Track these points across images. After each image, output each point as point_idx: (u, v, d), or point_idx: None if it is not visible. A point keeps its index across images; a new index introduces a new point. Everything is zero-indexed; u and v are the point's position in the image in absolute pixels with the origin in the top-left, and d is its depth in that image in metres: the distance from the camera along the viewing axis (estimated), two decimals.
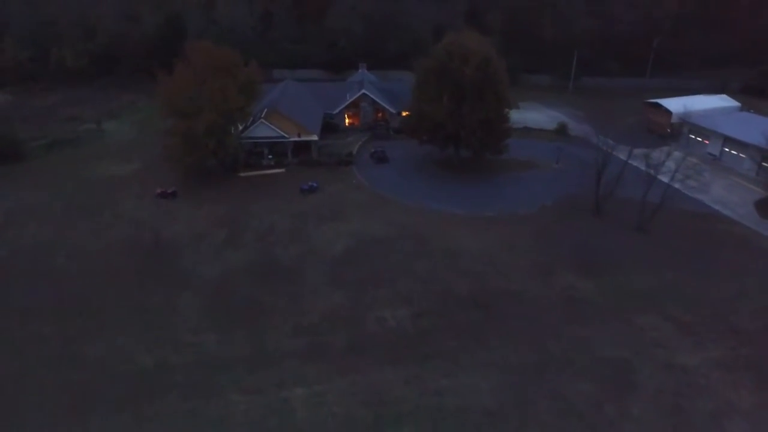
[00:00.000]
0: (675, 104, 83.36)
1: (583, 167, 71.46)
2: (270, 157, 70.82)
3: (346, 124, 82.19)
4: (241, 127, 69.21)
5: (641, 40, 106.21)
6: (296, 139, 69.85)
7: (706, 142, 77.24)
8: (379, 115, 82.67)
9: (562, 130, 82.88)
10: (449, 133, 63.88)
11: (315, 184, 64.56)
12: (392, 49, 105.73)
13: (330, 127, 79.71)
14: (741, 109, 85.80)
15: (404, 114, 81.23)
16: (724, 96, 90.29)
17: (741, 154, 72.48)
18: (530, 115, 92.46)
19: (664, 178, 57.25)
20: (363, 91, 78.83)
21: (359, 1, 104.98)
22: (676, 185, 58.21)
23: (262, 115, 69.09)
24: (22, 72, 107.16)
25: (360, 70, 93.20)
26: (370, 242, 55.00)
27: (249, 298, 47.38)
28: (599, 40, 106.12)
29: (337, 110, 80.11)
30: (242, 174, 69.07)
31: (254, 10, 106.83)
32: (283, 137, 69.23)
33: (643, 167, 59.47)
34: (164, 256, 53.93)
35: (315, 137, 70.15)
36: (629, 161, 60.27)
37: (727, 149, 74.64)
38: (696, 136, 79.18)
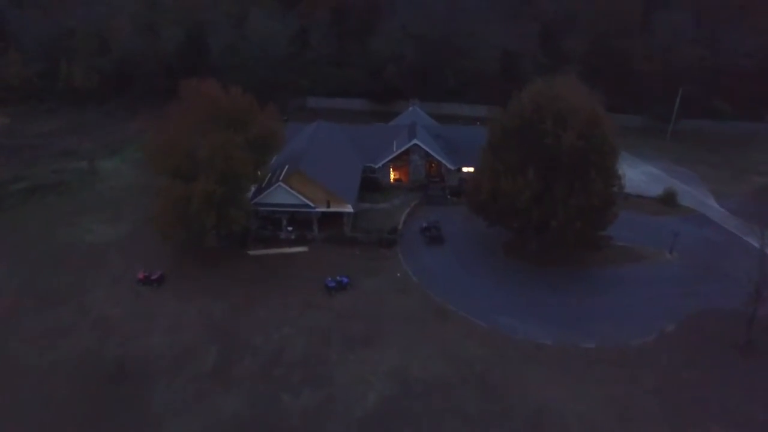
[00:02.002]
0: None
1: (708, 261, 52.89)
2: (290, 229, 54.47)
3: (391, 181, 65.10)
4: (253, 189, 53.22)
5: (761, 74, 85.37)
6: (324, 209, 53.24)
7: None
8: (432, 166, 65.35)
9: (670, 200, 63.59)
10: (533, 220, 45.94)
11: (345, 280, 47.83)
12: (449, 78, 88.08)
13: (370, 183, 62.88)
14: None
15: (465, 170, 63.89)
16: None
17: None
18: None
19: None
20: (415, 141, 61.58)
21: (411, 19, 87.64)
22: None
23: (281, 177, 52.74)
24: (27, 89, 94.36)
25: (410, 108, 75.85)
26: (418, 392, 38.09)
27: None
28: (707, 74, 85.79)
29: (380, 163, 63.14)
30: (252, 252, 52.94)
31: (289, 25, 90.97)
32: (307, 206, 52.73)
33: None
34: (127, 391, 38.45)
35: (349, 208, 53.34)
36: None
37: None
38: None
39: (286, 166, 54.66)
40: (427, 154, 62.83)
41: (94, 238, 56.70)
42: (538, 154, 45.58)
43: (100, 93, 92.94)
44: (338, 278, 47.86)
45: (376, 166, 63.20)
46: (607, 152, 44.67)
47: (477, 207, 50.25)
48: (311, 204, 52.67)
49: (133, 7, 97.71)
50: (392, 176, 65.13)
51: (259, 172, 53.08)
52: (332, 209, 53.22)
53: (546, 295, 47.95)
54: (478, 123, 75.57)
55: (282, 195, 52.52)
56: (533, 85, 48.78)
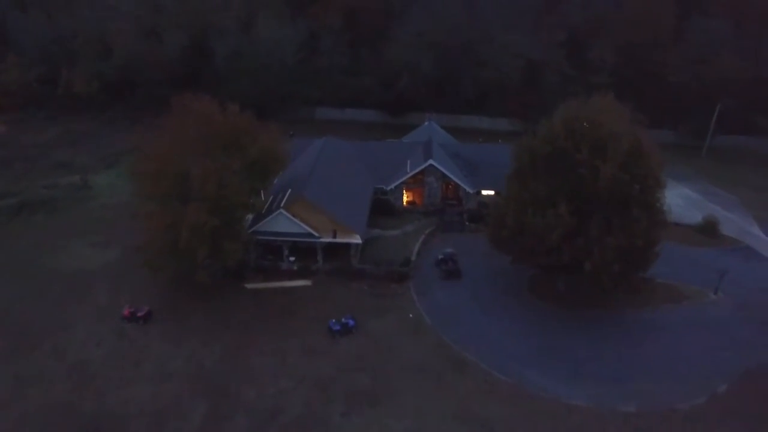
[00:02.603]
0: None
1: (761, 304, 47.12)
2: (291, 259, 49.54)
3: (404, 204, 59.88)
4: (250, 218, 48.35)
5: None
6: (329, 240, 48.23)
7: None
8: (449, 187, 59.98)
9: (711, 230, 57.73)
10: (564, 260, 40.47)
11: (351, 322, 42.82)
12: (468, 89, 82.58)
13: (382, 206, 57.77)
14: None
15: (485, 193, 58.64)
16: None
17: None
18: None
19: None
20: (430, 161, 56.33)
21: (428, 26, 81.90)
22: None
23: (283, 203, 47.85)
24: (26, 95, 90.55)
25: (426, 123, 70.52)
26: None
27: None
28: (746, 87, 79.31)
29: (392, 185, 57.95)
30: (249, 285, 48.10)
31: (298, 31, 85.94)
32: (311, 235, 47.74)
33: None
34: None
35: (357, 239, 48.26)
36: None
37: None
38: None
39: (289, 190, 49.73)
40: (444, 176, 57.49)
41: (81, 264, 52.34)
42: (571, 185, 40.17)
43: (100, 100, 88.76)
44: (343, 320, 42.85)
45: (388, 188, 58.02)
46: (651, 186, 39.14)
47: (500, 242, 44.88)
48: (315, 233, 47.67)
49: (138, 10, 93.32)
50: (405, 198, 59.93)
51: (262, 196, 48.33)
52: (338, 240, 48.16)
53: (577, 344, 42.51)
54: (499, 141, 70.41)
55: (283, 223, 47.59)
56: (566, 107, 43.18)
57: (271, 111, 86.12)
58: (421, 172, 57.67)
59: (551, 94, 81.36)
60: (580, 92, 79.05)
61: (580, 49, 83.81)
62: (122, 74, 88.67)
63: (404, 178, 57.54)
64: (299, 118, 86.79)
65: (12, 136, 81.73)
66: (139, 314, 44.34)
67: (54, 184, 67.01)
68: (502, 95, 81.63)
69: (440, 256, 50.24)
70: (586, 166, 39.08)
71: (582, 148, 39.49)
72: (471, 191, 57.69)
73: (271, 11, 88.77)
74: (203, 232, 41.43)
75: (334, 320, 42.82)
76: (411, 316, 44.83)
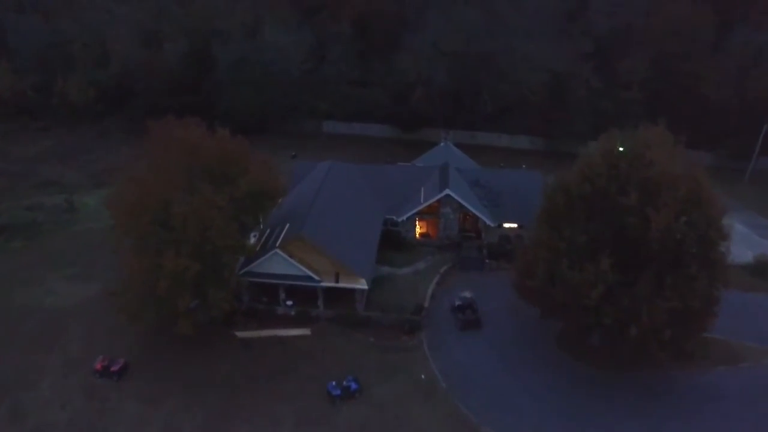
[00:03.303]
0: None
1: None
2: (289, 303, 43.84)
3: (417, 236, 53.95)
4: (241, 260, 42.69)
5: None
6: (331, 284, 42.45)
7: None
8: (467, 218, 53.93)
9: (764, 271, 51.16)
10: (604, 322, 34.35)
11: (354, 386, 37.08)
12: (487, 103, 76.40)
13: (392, 238, 51.95)
14: None
15: (507, 226, 52.62)
16: None
17: None
18: None
19: None
20: (447, 191, 50.33)
21: (444, 34, 75.77)
22: None
23: (279, 241, 42.18)
24: (20, 103, 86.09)
25: (442, 143, 64.38)
26: None
27: None
28: None
29: (404, 216, 52.00)
30: (240, 334, 42.44)
31: (306, 39, 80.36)
32: (311, 278, 42.01)
33: None
34: None
35: (363, 284, 42.38)
36: None
37: None
38: None
39: (287, 225, 43.96)
40: (462, 206, 51.47)
41: (55, 301, 47.20)
42: (614, 235, 34.02)
43: (96, 110, 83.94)
44: (345, 383, 37.08)
45: (400, 219, 52.11)
46: (713, 240, 32.85)
47: (527, 293, 38.85)
48: (315, 277, 41.91)
49: (139, 15, 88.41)
50: (418, 230, 53.97)
51: (261, 225, 42.93)
52: (341, 285, 42.34)
53: (616, 416, 36.40)
54: (523, 166, 64.41)
55: (279, 264, 41.90)
56: (608, 138, 37.03)
57: (275, 124, 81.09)
58: (437, 202, 51.69)
59: (577, 110, 75.37)
60: (609, 109, 74.23)
61: (608, 61, 77.39)
62: (120, 82, 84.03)
63: (417, 209, 51.58)
64: (305, 132, 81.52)
65: (1, 148, 77.02)
66: (113, 368, 39.05)
67: (38, 204, 62.16)
68: (523, 110, 75.48)
69: (457, 302, 44.24)
70: (634, 214, 32.91)
71: (629, 191, 33.35)
72: (492, 224, 51.58)
73: (278, 17, 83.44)
74: (184, 279, 35.88)
75: (334, 382, 37.10)
76: (423, 377, 38.92)
